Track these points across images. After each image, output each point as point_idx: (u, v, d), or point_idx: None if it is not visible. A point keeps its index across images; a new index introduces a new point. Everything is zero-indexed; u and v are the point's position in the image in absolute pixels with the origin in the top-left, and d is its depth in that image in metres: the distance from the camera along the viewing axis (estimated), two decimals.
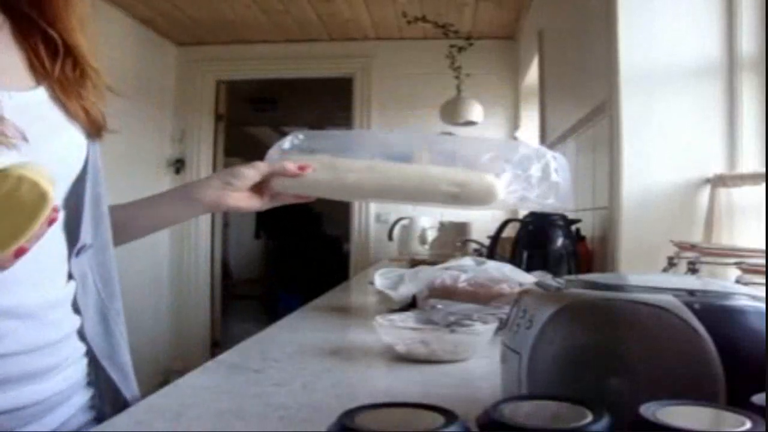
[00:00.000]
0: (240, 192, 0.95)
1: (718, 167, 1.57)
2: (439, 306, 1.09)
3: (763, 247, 1.18)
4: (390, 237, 3.72)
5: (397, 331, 0.93)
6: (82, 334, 0.78)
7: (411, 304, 1.27)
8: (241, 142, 6.31)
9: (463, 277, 1.21)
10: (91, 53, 0.78)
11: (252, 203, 0.97)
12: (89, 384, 0.80)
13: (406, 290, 1.28)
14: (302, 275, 5.77)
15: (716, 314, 0.52)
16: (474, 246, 2.88)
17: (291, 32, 4.28)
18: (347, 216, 4.52)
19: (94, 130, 0.77)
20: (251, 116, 6.25)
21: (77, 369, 0.78)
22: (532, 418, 0.41)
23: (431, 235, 3.61)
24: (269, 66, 4.49)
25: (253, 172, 0.94)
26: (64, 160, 0.73)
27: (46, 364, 0.71)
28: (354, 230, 4.50)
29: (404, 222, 3.73)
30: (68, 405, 0.76)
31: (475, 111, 3.83)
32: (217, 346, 4.52)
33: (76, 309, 0.77)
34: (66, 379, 0.75)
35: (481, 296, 1.13)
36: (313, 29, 4.26)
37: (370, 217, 4.44)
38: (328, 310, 1.48)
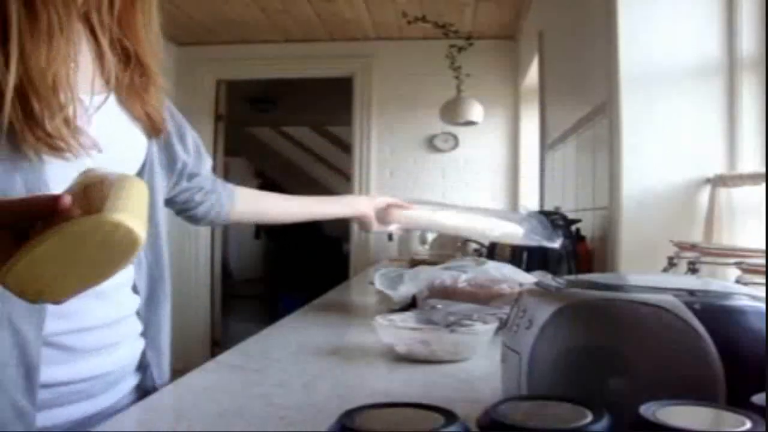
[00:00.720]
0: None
1: (718, 167, 1.57)
2: (439, 306, 1.09)
3: (763, 247, 1.17)
4: (390, 237, 3.72)
5: (397, 331, 0.93)
6: (139, 314, 0.87)
7: (411, 304, 1.27)
8: (241, 142, 6.31)
9: (463, 277, 1.21)
10: (156, 60, 0.85)
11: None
12: (139, 366, 0.87)
13: (406, 290, 1.28)
14: (302, 275, 5.77)
15: (716, 314, 0.52)
16: (474, 246, 2.88)
17: (291, 32, 4.28)
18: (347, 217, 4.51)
19: (155, 131, 0.85)
20: (251, 116, 6.24)
21: (135, 347, 0.86)
22: (532, 418, 0.41)
23: (431, 235, 3.61)
24: (269, 66, 4.48)
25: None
26: (126, 160, 0.81)
27: (113, 339, 0.80)
28: (354, 230, 4.50)
29: None
30: (124, 383, 0.84)
31: (475, 111, 3.83)
32: (217, 345, 4.52)
33: (135, 290, 0.86)
34: (125, 356, 0.83)
35: (481, 296, 1.13)
36: (313, 29, 4.26)
37: None
38: (329, 310, 1.48)
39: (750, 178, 1.42)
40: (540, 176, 3.26)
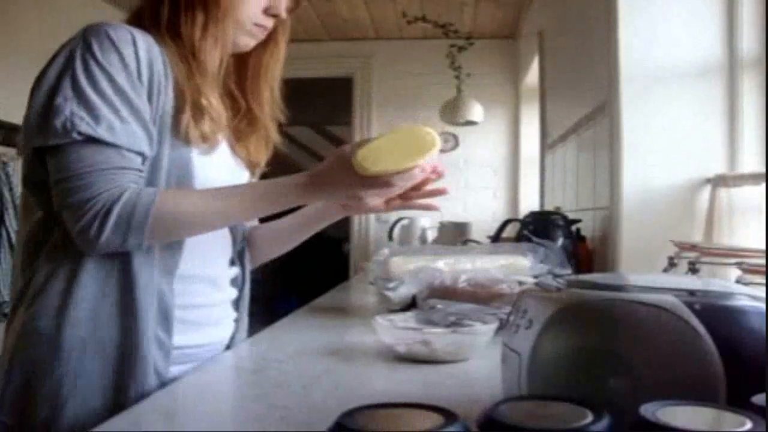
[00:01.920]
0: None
1: (718, 167, 1.57)
2: (439, 306, 1.09)
3: (763, 247, 1.17)
4: (390, 237, 3.72)
5: (397, 331, 0.93)
6: (234, 304, 1.07)
7: (411, 304, 1.27)
8: None
9: (463, 277, 1.21)
10: (265, 114, 1.09)
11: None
12: (227, 346, 1.05)
13: (406, 290, 1.28)
14: (302, 275, 5.77)
15: (717, 314, 0.52)
16: (474, 246, 2.88)
17: (291, 32, 4.27)
18: (347, 217, 4.51)
19: (252, 167, 1.09)
20: None
21: (228, 329, 1.05)
22: (532, 418, 0.41)
23: (431, 235, 3.61)
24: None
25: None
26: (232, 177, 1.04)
27: (216, 317, 1.02)
28: (354, 231, 4.50)
29: (404, 222, 3.72)
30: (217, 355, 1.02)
31: (475, 111, 3.83)
32: None
33: (234, 284, 1.07)
34: (221, 335, 1.03)
35: (481, 296, 1.13)
36: (313, 29, 4.26)
37: (371, 218, 4.44)
38: (328, 310, 1.48)
39: (750, 178, 1.42)
40: (540, 176, 3.26)
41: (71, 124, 0.80)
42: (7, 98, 3.02)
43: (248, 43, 1.01)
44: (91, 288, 0.85)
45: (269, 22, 1.01)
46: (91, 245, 0.82)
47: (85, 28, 0.86)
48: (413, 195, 0.99)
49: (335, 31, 4.32)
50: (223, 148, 1.01)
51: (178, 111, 0.90)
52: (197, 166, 0.93)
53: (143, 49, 0.87)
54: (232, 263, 1.07)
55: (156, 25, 0.93)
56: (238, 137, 1.05)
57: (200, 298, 0.97)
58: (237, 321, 1.07)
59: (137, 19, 0.96)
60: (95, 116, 0.82)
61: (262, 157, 1.10)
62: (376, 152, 0.88)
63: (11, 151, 2.98)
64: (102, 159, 0.82)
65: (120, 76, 0.84)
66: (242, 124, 1.06)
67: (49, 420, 0.82)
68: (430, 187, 0.98)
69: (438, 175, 0.95)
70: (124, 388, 0.84)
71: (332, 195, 0.94)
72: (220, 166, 1.00)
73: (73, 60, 0.83)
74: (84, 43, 0.84)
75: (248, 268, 1.12)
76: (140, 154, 0.86)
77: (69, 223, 0.82)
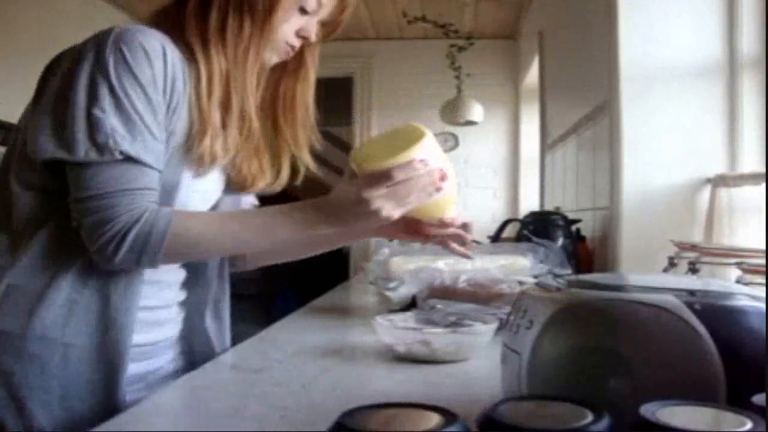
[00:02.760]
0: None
1: (718, 167, 1.57)
2: (439, 306, 1.09)
3: (763, 247, 1.17)
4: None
5: (397, 331, 0.93)
6: (180, 305, 1.04)
7: (411, 304, 1.27)
8: None
9: (463, 277, 1.21)
10: (307, 138, 1.12)
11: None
12: (183, 337, 1.05)
13: (406, 290, 1.28)
14: (302, 275, 5.77)
15: (717, 314, 0.52)
16: (474, 246, 2.88)
17: None
18: None
19: (240, 188, 1.06)
20: None
21: (176, 327, 1.03)
22: (532, 418, 0.41)
23: None
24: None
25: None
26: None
27: (163, 318, 1.00)
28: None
29: None
30: (170, 350, 1.02)
31: (476, 111, 3.83)
32: None
33: (181, 287, 1.04)
34: (170, 332, 1.02)
35: (481, 296, 1.13)
36: None
37: None
38: (328, 310, 1.48)
39: (750, 178, 1.42)
40: (540, 176, 3.26)
41: (114, 142, 0.80)
42: (7, 98, 3.02)
43: (272, 59, 1.01)
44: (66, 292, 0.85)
45: (298, 43, 1.02)
46: (108, 262, 0.83)
47: (116, 32, 0.84)
48: (444, 235, 1.04)
49: None
50: (214, 172, 0.99)
51: (192, 131, 0.90)
52: (182, 189, 0.92)
53: (170, 63, 0.86)
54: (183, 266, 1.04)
55: (201, 33, 0.91)
56: (247, 154, 1.03)
57: (149, 301, 0.94)
58: (186, 320, 1.06)
59: (175, 25, 0.93)
60: (133, 133, 0.82)
61: (259, 182, 1.06)
62: (367, 150, 0.94)
63: None
64: (129, 178, 0.82)
65: (150, 90, 0.84)
66: (248, 144, 1.02)
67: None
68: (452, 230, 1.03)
69: (442, 176, 0.91)
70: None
71: (344, 211, 0.89)
72: (204, 192, 0.99)
73: (107, 68, 0.81)
74: (117, 51, 0.82)
75: (205, 270, 1.06)
76: (160, 172, 0.86)
77: (87, 240, 0.83)
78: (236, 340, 1.10)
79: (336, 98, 4.88)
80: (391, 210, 0.87)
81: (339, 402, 0.71)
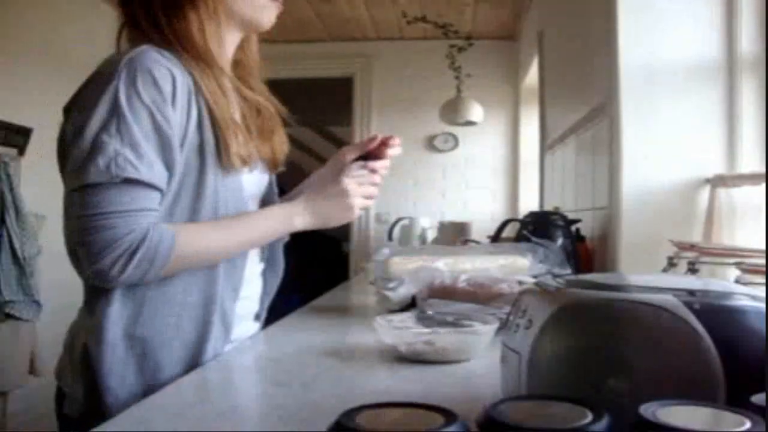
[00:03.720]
0: None
1: (717, 167, 1.57)
2: (439, 306, 1.09)
3: (763, 247, 1.18)
4: (390, 237, 3.72)
5: (399, 331, 0.93)
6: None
7: (411, 304, 1.27)
8: None
9: (463, 277, 1.21)
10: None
11: None
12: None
13: (406, 290, 1.28)
14: (302, 275, 5.77)
15: (716, 314, 0.52)
16: (474, 246, 2.88)
17: (291, 32, 4.28)
18: None
19: (274, 167, 1.12)
20: None
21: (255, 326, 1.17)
22: (532, 418, 0.41)
23: (431, 235, 3.61)
24: (269, 66, 4.47)
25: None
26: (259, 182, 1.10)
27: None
28: (354, 230, 4.50)
29: (404, 222, 3.73)
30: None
31: (475, 111, 3.83)
32: None
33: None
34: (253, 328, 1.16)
35: (481, 296, 1.13)
36: (313, 29, 4.26)
37: (370, 217, 4.44)
38: (328, 310, 1.48)
39: (750, 178, 1.42)
40: (540, 176, 3.26)
41: (116, 165, 0.83)
42: (9, 100, 3.02)
43: (268, 18, 1.04)
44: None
45: None
46: (108, 282, 0.86)
47: (126, 59, 0.88)
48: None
49: (335, 31, 4.32)
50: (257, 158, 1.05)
51: (222, 142, 0.94)
52: (246, 187, 1.01)
53: (180, 87, 0.90)
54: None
55: (160, 33, 0.95)
56: (263, 137, 1.08)
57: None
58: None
59: (140, 32, 0.96)
60: (139, 154, 0.85)
61: (284, 156, 1.14)
62: None
63: (12, 151, 2.98)
64: (130, 199, 0.85)
65: (158, 113, 0.87)
66: (266, 123, 1.09)
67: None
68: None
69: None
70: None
71: (327, 201, 1.05)
72: (255, 176, 1.06)
73: (118, 94, 0.85)
74: (129, 77, 0.86)
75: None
76: (162, 191, 0.89)
77: (84, 259, 0.84)
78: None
79: (336, 98, 4.89)
80: (357, 207, 1.06)
81: (339, 402, 0.71)
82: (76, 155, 0.85)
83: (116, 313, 0.90)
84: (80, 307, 0.97)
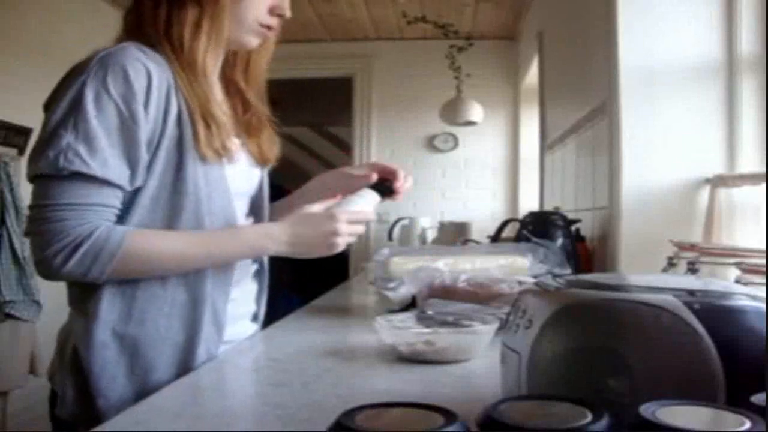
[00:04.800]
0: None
1: (717, 167, 1.57)
2: (439, 306, 1.09)
3: (763, 247, 1.18)
4: (390, 237, 3.72)
5: (399, 331, 0.93)
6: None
7: (411, 304, 1.27)
8: None
9: (463, 277, 1.21)
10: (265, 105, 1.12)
11: None
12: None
13: (406, 290, 1.28)
14: (302, 275, 5.77)
15: (716, 314, 0.52)
16: (474, 246, 2.88)
17: (291, 32, 4.28)
18: None
19: (263, 163, 1.12)
20: None
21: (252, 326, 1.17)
22: (532, 418, 0.41)
23: (431, 234, 3.61)
24: (269, 66, 4.47)
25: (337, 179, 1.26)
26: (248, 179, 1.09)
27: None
28: None
29: (404, 222, 3.73)
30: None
31: (475, 111, 3.83)
32: None
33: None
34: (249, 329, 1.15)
35: (481, 296, 1.13)
36: (313, 29, 4.26)
37: None
38: (328, 310, 1.48)
39: (749, 178, 1.42)
40: (540, 176, 3.26)
41: (64, 158, 0.83)
42: (8, 98, 3.02)
43: (253, 42, 1.04)
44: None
45: (274, 22, 1.04)
46: (50, 273, 0.85)
47: (101, 55, 0.87)
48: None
49: (335, 31, 4.32)
50: (240, 153, 1.04)
51: (195, 134, 0.93)
52: (229, 178, 0.99)
53: (156, 83, 0.89)
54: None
55: (155, 29, 0.95)
56: (250, 132, 1.07)
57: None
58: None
59: (137, 25, 0.97)
60: (93, 149, 0.84)
61: (274, 153, 1.13)
62: None
63: (11, 151, 2.98)
64: (83, 194, 0.85)
65: (126, 110, 0.87)
66: (254, 119, 1.08)
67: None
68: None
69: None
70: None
71: (310, 236, 1.00)
72: (241, 173, 1.04)
73: (84, 89, 0.85)
74: (99, 73, 0.86)
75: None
76: (121, 188, 0.88)
77: (33, 249, 0.86)
78: None
79: (336, 98, 4.89)
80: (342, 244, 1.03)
81: (339, 402, 0.71)
82: (35, 146, 0.86)
83: (105, 313, 0.89)
84: (69, 309, 0.97)
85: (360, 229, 1.05)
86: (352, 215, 1.03)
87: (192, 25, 0.95)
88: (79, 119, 0.84)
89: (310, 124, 6.55)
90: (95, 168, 0.84)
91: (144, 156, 0.89)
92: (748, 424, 0.39)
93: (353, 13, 3.99)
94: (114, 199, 0.88)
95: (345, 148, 5.90)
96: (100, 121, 0.85)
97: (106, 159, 0.85)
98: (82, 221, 0.84)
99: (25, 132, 3.03)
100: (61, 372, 0.93)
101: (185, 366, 0.92)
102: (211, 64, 0.99)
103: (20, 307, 2.76)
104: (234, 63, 1.10)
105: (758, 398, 0.43)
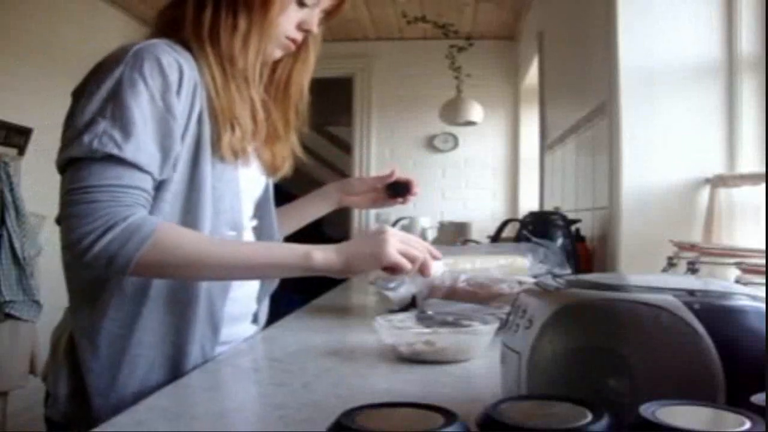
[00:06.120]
0: (354, 196, 1.38)
1: (717, 167, 1.57)
2: (439, 306, 1.09)
3: (763, 247, 1.18)
4: None
5: (399, 331, 0.93)
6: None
7: (411, 304, 1.27)
8: None
9: (463, 277, 1.21)
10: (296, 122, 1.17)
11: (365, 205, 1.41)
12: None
13: (406, 290, 1.28)
14: (302, 275, 5.76)
15: (716, 314, 0.52)
16: (474, 246, 2.88)
17: None
18: (348, 216, 4.52)
19: (272, 171, 1.14)
20: None
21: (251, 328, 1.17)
22: (532, 418, 0.41)
23: (431, 234, 3.61)
24: None
25: (359, 183, 1.39)
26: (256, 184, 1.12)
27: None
28: (354, 230, 4.50)
29: (404, 222, 3.72)
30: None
31: (475, 111, 3.83)
32: None
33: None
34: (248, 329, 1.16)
35: (481, 296, 1.13)
36: None
37: (371, 218, 4.44)
38: (329, 310, 1.48)
39: (749, 178, 1.42)
40: (540, 176, 3.27)
41: (99, 141, 0.83)
42: (8, 98, 3.02)
43: (277, 54, 1.05)
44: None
45: (300, 36, 1.05)
46: (78, 254, 0.81)
47: (136, 48, 0.89)
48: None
49: (335, 31, 4.31)
50: (252, 157, 1.06)
51: (216, 133, 0.95)
52: (242, 182, 1.01)
53: (187, 76, 0.91)
54: None
55: (197, 31, 0.96)
56: (266, 140, 1.08)
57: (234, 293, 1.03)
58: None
59: (175, 24, 0.97)
60: (127, 134, 0.84)
61: (286, 164, 1.14)
62: None
63: (11, 151, 2.98)
64: (114, 175, 0.84)
65: (161, 100, 0.88)
66: (272, 129, 1.09)
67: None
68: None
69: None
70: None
71: (360, 256, 0.92)
72: (251, 177, 1.07)
73: (122, 79, 0.86)
74: (136, 65, 0.87)
75: None
76: (151, 175, 0.87)
77: (65, 232, 0.83)
78: None
79: (336, 98, 4.88)
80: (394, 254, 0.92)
81: (339, 402, 0.71)
82: (68, 135, 0.85)
83: (101, 313, 0.89)
84: (65, 309, 0.97)
85: (413, 253, 0.93)
86: (405, 236, 0.95)
87: (242, 35, 0.96)
88: (117, 107, 0.85)
89: (310, 124, 6.55)
90: (128, 151, 0.84)
91: (177, 147, 0.90)
92: (748, 424, 0.39)
93: (353, 13, 3.99)
94: (146, 183, 0.87)
95: (345, 148, 5.90)
96: (137, 110, 0.85)
97: (139, 144, 0.85)
98: (114, 203, 0.82)
99: (25, 132, 3.03)
100: (54, 371, 0.93)
101: (177, 365, 0.92)
102: (254, 73, 1.00)
103: (20, 307, 2.77)
104: (272, 76, 1.12)
105: (758, 398, 0.43)
